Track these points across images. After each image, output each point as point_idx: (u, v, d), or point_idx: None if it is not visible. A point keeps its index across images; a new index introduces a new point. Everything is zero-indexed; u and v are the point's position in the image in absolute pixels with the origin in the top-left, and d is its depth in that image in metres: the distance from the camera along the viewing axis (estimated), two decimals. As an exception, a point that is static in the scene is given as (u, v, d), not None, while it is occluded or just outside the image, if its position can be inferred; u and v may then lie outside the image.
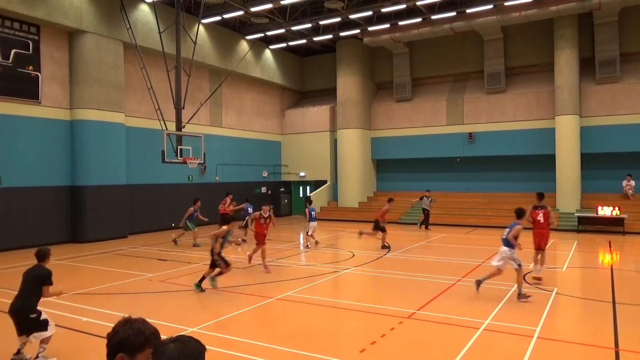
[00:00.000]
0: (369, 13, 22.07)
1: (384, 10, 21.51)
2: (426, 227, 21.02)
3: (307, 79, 30.71)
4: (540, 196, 11.43)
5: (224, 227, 10.19)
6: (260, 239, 12.20)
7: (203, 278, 9.89)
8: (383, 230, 15.72)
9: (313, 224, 16.23)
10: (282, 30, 24.19)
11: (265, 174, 28.15)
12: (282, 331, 7.42)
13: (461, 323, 7.59)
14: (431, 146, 25.77)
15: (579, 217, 20.18)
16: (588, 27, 22.25)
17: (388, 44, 25.77)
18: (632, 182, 21.17)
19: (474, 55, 25.29)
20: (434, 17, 22.19)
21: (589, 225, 19.84)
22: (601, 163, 22.32)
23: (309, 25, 23.40)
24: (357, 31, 24.48)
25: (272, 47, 27.23)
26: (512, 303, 8.85)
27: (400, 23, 23.31)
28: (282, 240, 17.96)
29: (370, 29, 23.90)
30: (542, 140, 22.82)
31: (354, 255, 14.69)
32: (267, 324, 7.96)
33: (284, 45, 26.92)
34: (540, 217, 10.96)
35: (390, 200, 16.86)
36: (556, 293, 9.63)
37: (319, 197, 26.89)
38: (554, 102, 22.27)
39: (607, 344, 6.65)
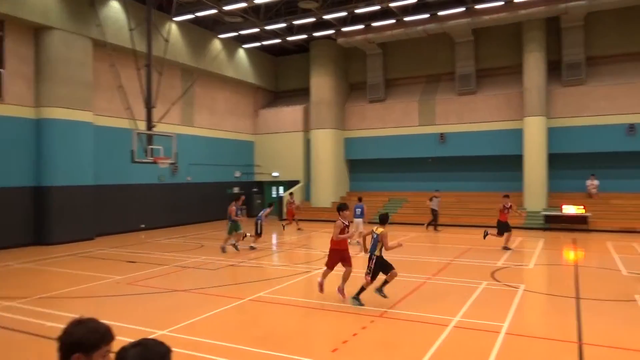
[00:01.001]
0: (343, 14, 22.16)
1: (358, 11, 21.63)
2: (435, 228, 20.50)
3: (280, 79, 30.63)
4: None
5: (382, 230, 8.63)
6: (333, 261, 9.10)
7: (362, 289, 8.64)
8: (509, 230, 15.21)
9: (357, 220, 16.03)
10: (255, 30, 24.05)
11: (237, 174, 27.93)
12: (254, 332, 7.36)
13: (431, 321, 7.69)
14: (404, 146, 26.04)
15: (545, 216, 20.76)
16: (555, 31, 22.88)
17: (362, 45, 25.93)
18: (596, 182, 21.88)
19: (446, 57, 25.67)
20: (407, 19, 22.44)
21: (555, 223, 20.41)
22: (567, 163, 22.98)
23: (283, 25, 23.34)
24: (331, 32, 24.54)
25: (245, 46, 27.05)
26: (480, 300, 9.01)
27: (374, 24, 23.50)
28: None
29: (344, 29, 24.00)
30: (510, 140, 23.35)
31: (326, 255, 14.68)
32: (239, 325, 7.89)
33: (257, 44, 26.78)
34: None
35: (506, 196, 15.64)
36: (523, 290, 9.85)
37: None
38: (523, 103, 22.82)
39: (572, 338, 6.84)
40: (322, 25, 23.94)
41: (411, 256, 14.42)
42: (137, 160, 17.02)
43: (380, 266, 8.60)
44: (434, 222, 20.51)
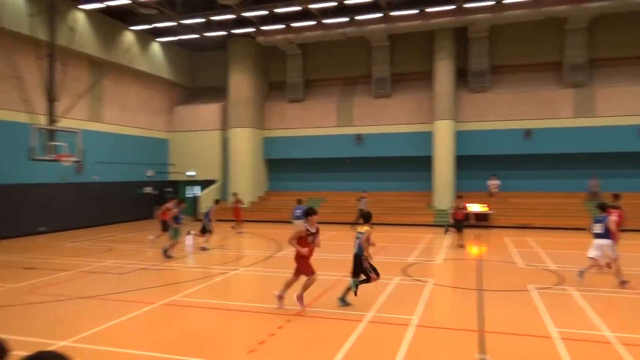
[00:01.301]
0: (264, 12, 22.00)
1: (277, 10, 21.58)
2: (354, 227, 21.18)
3: (198, 75, 29.78)
4: (616, 197, 12.10)
5: (367, 228, 8.69)
6: (307, 267, 8.34)
7: (349, 289, 8.51)
8: (461, 229, 16.08)
9: (297, 222, 16.03)
10: (172, 24, 23.15)
11: (150, 173, 26.73)
12: (167, 338, 7.08)
13: (347, 317, 7.87)
14: (322, 147, 26.47)
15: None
16: (464, 41, 24.44)
17: (282, 45, 25.95)
18: (497, 182, 23.72)
19: (363, 60, 26.47)
20: (326, 21, 22.79)
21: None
22: (472, 164, 24.65)
23: (201, 20, 22.70)
24: (250, 30, 24.27)
25: (160, 40, 25.95)
26: (393, 295, 9.38)
27: (294, 25, 23.60)
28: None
29: (264, 28, 23.85)
30: (422, 142, 24.59)
31: (243, 256, 14.53)
32: (151, 331, 7.54)
33: (173, 38, 25.80)
34: (615, 217, 10.77)
35: (459, 197, 17.06)
36: (432, 284, 10.41)
37: (208, 197, 26.19)
38: (433, 107, 24.13)
39: (474, 327, 7.32)
40: (241, 22, 23.60)
41: (329, 254, 14.68)
42: (36, 157, 15.70)
43: (370, 267, 8.45)
44: (358, 221, 21.07)
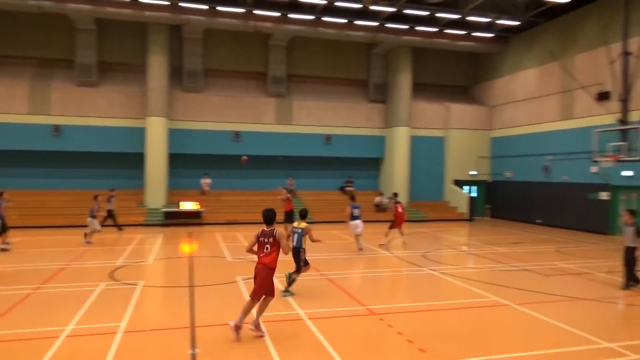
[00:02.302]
0: None
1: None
2: (119, 229, 18.81)
3: None
4: (395, 195, 17.72)
5: (304, 224, 9.54)
6: (272, 284, 7.02)
7: (293, 281, 9.30)
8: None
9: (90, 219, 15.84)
10: None
11: None
12: None
13: (40, 335, 6.77)
14: (8, 137, 22.10)
15: (165, 212, 21.80)
16: (179, 39, 24.35)
17: (-53, 4, 20.45)
18: (209, 180, 24.61)
19: (65, 41, 23.43)
20: (14, -14, 19.16)
21: (173, 219, 21.69)
22: (185, 163, 24.85)
23: None
24: None
25: None
26: (98, 302, 8.57)
27: (-33, -18, 18.97)
28: None
29: None
30: (132, 138, 23.39)
31: None
32: None
33: None
34: (400, 209, 16.21)
35: (289, 192, 17.95)
36: (142, 286, 9.98)
37: None
38: (145, 102, 23.23)
39: (185, 324, 7.36)
40: None
41: (15, 265, 12.35)
42: None
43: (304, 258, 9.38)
44: (115, 223, 18.58)
